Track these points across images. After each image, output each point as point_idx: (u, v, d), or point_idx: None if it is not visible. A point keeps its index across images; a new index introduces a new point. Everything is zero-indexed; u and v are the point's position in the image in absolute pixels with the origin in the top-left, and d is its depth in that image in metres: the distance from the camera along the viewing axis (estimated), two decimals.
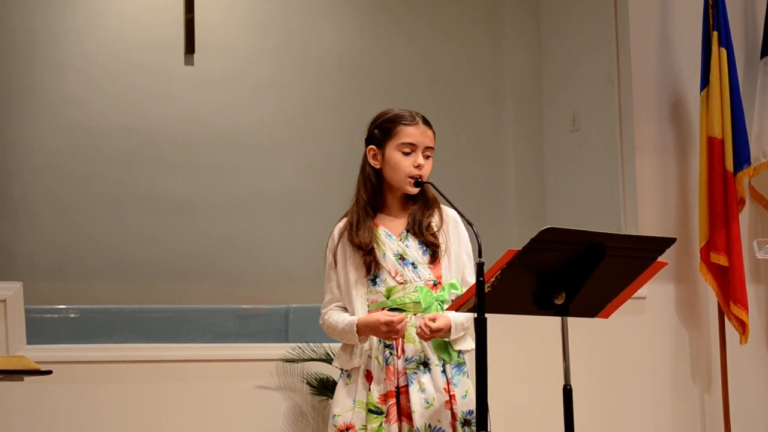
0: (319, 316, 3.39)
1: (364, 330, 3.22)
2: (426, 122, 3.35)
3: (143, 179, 5.87)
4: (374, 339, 3.25)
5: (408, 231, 3.32)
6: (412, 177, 3.28)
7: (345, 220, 3.37)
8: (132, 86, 5.91)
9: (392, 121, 3.33)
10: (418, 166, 3.29)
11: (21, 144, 5.75)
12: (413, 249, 3.30)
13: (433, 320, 3.18)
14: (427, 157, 3.32)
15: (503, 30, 6.44)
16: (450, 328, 3.19)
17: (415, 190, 3.31)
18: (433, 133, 3.35)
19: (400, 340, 3.23)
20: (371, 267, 3.27)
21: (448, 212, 3.37)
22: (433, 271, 3.30)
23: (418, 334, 3.19)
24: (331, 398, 3.45)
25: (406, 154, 3.29)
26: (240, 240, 5.97)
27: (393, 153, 3.30)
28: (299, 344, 4.52)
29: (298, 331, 5.08)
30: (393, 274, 3.27)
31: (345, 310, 3.33)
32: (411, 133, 3.30)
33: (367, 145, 3.37)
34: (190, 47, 5.99)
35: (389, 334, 3.18)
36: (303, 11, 6.22)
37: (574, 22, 6.09)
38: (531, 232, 2.87)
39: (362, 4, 6.35)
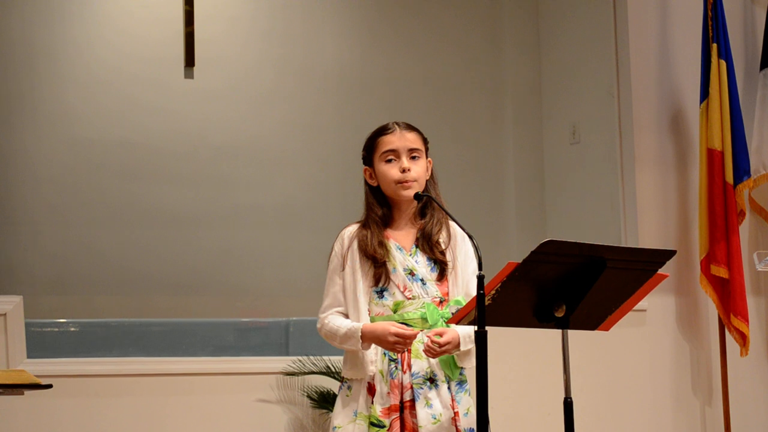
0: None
1: (368, 337, 3.20)
2: (407, 127, 3.37)
3: (143, 192, 5.88)
4: (379, 351, 3.24)
5: (417, 246, 3.32)
6: (400, 182, 3.30)
7: (356, 225, 3.37)
8: (132, 99, 5.92)
9: (373, 136, 3.39)
10: (404, 170, 3.30)
11: (21, 157, 5.75)
12: (422, 265, 3.30)
13: (440, 335, 3.18)
14: (414, 158, 3.33)
15: (503, 43, 6.45)
16: (458, 342, 3.19)
17: (408, 195, 3.31)
18: (418, 134, 3.36)
19: (407, 355, 3.22)
20: (380, 279, 3.27)
21: (455, 228, 3.37)
22: (440, 288, 3.30)
23: (425, 351, 3.18)
24: (332, 411, 3.44)
25: (390, 161, 3.32)
26: (240, 253, 5.97)
27: (379, 165, 3.34)
28: (300, 357, 4.52)
29: (299, 344, 5.07)
30: (402, 289, 3.27)
31: (346, 316, 3.31)
32: (389, 140, 3.34)
33: (364, 167, 3.41)
34: (190, 61, 6.00)
35: (395, 345, 3.17)
36: (303, 24, 6.23)
37: (573, 34, 6.10)
38: (531, 244, 2.87)
39: (363, 18, 6.36)
